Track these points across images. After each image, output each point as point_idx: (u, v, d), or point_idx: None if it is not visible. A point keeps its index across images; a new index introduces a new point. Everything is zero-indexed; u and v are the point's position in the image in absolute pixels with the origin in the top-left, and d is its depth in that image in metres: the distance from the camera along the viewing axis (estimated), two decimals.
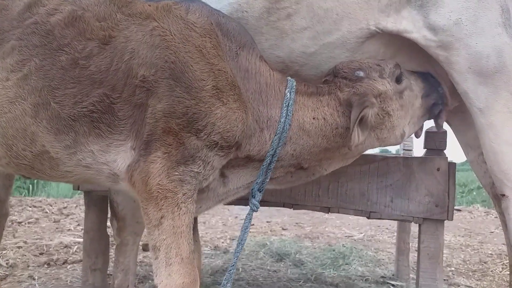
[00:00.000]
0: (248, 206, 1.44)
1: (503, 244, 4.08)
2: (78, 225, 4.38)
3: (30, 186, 6.65)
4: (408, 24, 1.48)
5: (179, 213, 1.21)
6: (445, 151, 1.92)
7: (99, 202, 2.22)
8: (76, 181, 1.41)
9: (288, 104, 1.33)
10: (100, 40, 1.26)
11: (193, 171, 1.23)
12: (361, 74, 1.41)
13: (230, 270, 1.35)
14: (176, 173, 1.21)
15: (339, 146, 1.41)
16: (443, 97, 1.58)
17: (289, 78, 1.41)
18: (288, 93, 1.34)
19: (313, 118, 1.37)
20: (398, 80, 1.46)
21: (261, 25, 1.52)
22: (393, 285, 2.89)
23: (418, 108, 1.52)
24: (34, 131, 1.28)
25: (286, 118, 1.32)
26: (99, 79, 1.25)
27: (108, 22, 1.28)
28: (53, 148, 1.28)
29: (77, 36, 1.27)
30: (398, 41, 1.57)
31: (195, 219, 1.63)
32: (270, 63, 1.43)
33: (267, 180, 1.40)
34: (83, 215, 2.35)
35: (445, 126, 1.87)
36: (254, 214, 1.43)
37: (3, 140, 1.32)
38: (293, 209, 1.94)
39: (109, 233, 2.30)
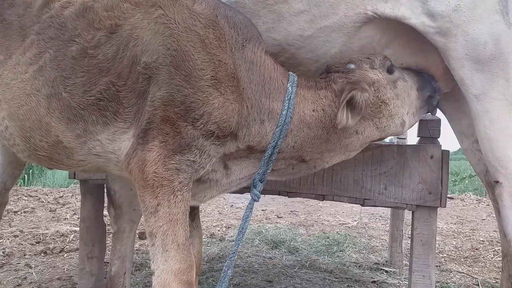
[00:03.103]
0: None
1: (495, 231, 4.16)
2: (74, 214, 4.38)
3: (26, 176, 6.62)
4: (406, 10, 1.47)
5: (175, 201, 1.22)
6: (438, 139, 1.94)
7: (95, 191, 2.23)
8: (91, 169, 1.44)
9: (290, 98, 1.35)
10: (107, 29, 1.29)
11: (189, 160, 1.25)
12: (352, 66, 1.45)
13: (231, 257, 1.37)
14: (172, 162, 1.23)
15: (340, 137, 1.43)
16: (437, 90, 1.62)
17: (290, 73, 1.43)
18: (290, 87, 1.37)
19: (313, 110, 1.39)
20: (390, 70, 1.49)
21: (258, 8, 1.52)
22: (386, 271, 2.94)
23: (415, 99, 1.55)
24: (48, 122, 1.32)
25: (287, 110, 1.34)
26: (106, 67, 1.27)
27: (115, 11, 1.30)
28: (66, 138, 1.32)
29: (86, 26, 1.30)
30: (395, 28, 1.56)
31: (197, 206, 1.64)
32: (274, 57, 1.44)
33: (269, 170, 1.42)
34: (79, 204, 2.36)
35: (439, 114, 1.88)
36: None
37: (22, 133, 1.37)
38: (288, 197, 1.95)
39: (105, 222, 2.31)
